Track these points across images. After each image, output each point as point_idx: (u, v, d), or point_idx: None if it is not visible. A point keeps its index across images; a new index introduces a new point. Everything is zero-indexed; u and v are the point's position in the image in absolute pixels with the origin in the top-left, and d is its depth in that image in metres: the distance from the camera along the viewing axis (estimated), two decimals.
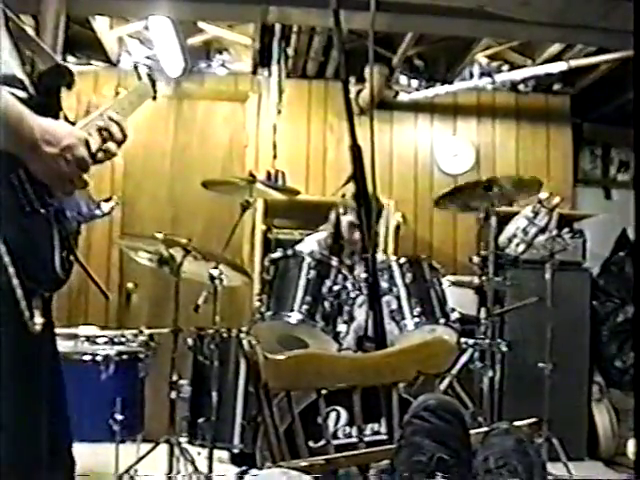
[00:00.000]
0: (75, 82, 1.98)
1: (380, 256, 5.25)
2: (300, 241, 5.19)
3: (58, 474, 2.00)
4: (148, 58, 6.65)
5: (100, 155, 2.01)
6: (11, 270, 1.71)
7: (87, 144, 1.89)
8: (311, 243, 4.94)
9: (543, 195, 5.31)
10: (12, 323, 1.77)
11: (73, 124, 1.97)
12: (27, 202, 1.80)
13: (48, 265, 1.85)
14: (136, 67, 2.41)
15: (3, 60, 1.83)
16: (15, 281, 1.72)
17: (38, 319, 1.82)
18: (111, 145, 2.04)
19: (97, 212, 2.05)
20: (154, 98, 2.42)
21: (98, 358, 4.37)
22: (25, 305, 1.76)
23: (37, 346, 1.88)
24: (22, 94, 1.84)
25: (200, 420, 4.29)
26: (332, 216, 4.98)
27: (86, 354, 4.41)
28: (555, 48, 6.18)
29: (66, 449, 2.07)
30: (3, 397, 1.77)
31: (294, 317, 4.02)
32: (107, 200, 2.06)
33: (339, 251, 4.77)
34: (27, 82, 1.89)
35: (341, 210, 4.91)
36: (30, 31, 2.04)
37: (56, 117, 1.92)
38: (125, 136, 2.09)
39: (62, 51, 5.24)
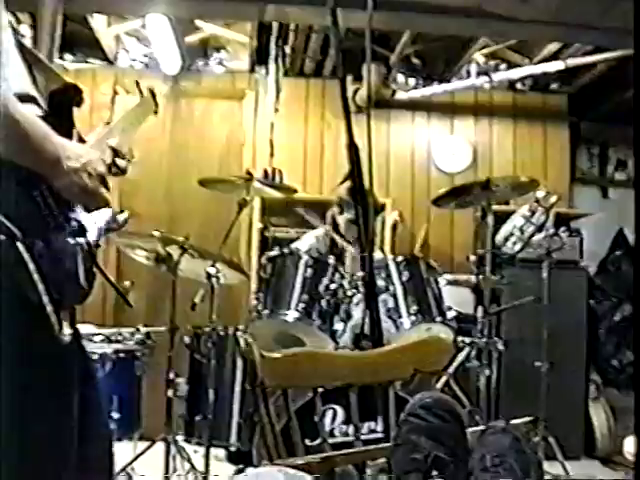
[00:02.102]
0: (84, 100, 2.01)
1: (377, 254, 5.26)
2: (297, 239, 5.18)
3: (96, 475, 2.02)
4: (145, 56, 6.65)
5: (113, 170, 2.07)
6: (41, 287, 1.74)
7: (104, 162, 1.94)
8: (309, 241, 4.93)
9: (540, 194, 5.31)
10: (45, 337, 1.80)
11: (84, 141, 2.01)
12: (52, 218, 1.82)
13: (73, 279, 1.88)
14: (138, 83, 2.45)
15: (16, 78, 1.85)
16: (45, 298, 1.76)
17: (66, 330, 1.84)
18: (121, 162, 2.09)
19: (114, 225, 2.09)
20: (155, 112, 2.45)
21: (95, 356, 4.37)
22: (53, 313, 1.78)
23: (67, 355, 1.90)
24: (38, 111, 1.86)
25: (197, 418, 4.30)
26: (329, 215, 4.97)
27: None
28: (552, 47, 6.18)
29: (105, 453, 2.10)
30: (39, 406, 1.81)
31: (291, 315, 4.03)
32: (119, 212, 2.11)
33: (338, 250, 4.77)
34: (40, 100, 1.91)
35: (336, 209, 4.91)
36: (37, 52, 2.07)
37: (69, 135, 1.95)
38: (133, 156, 2.16)
39: (59, 49, 5.24)
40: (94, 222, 1.99)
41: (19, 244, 1.70)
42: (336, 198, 4.94)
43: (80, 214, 1.93)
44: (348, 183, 4.51)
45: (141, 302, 6.50)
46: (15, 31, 1.95)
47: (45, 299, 1.76)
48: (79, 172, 1.82)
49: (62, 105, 1.97)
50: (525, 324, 5.64)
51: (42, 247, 1.77)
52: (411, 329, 4.14)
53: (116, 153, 2.08)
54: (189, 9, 5.57)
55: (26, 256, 1.71)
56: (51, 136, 1.78)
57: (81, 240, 1.93)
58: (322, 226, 5.01)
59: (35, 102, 1.88)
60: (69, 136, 1.94)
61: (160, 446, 4.34)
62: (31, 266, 1.72)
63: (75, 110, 2.00)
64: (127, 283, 6.27)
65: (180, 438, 4.39)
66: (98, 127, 2.17)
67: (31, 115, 1.76)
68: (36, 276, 1.73)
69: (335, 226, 4.92)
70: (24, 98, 1.82)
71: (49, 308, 1.77)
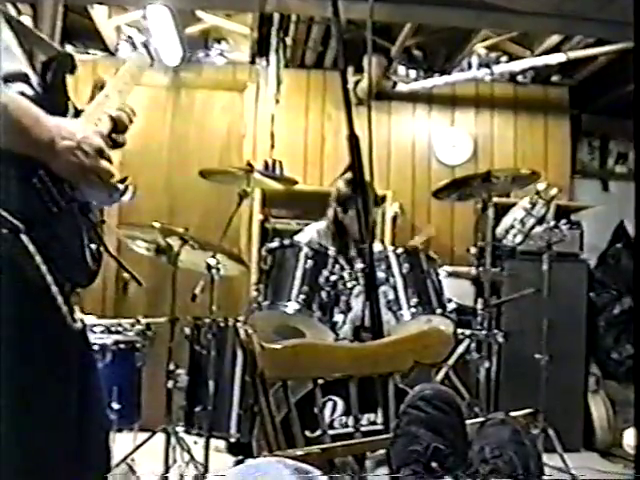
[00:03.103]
0: (77, 67, 1.98)
1: (377, 246, 5.25)
2: (299, 231, 5.18)
3: (94, 465, 2.02)
4: (146, 47, 6.63)
5: (112, 138, 2.01)
6: (49, 278, 1.73)
7: (101, 135, 1.89)
8: (310, 233, 4.93)
9: (541, 186, 5.32)
10: (56, 328, 1.80)
11: (81, 111, 1.97)
12: (52, 202, 1.79)
13: (80, 260, 1.86)
14: (130, 37, 2.40)
15: (6, 57, 1.83)
16: (55, 289, 1.75)
17: (78, 314, 1.84)
18: (120, 137, 2.04)
19: (116, 196, 2.03)
20: (151, 65, 2.39)
21: (95, 347, 4.37)
22: (63, 302, 1.77)
23: (76, 341, 1.90)
24: (28, 89, 1.84)
25: (197, 409, 4.30)
26: (331, 210, 4.94)
27: None
28: (554, 39, 6.17)
29: (103, 440, 2.10)
30: (43, 392, 1.80)
31: (291, 307, 4.02)
32: (122, 181, 2.04)
33: (342, 242, 4.77)
34: (32, 75, 1.89)
35: (334, 204, 4.88)
36: (27, 22, 2.05)
37: (65, 107, 1.92)
38: (132, 121, 2.09)
39: (60, 40, 5.23)
40: (95, 198, 1.96)
41: (23, 236, 1.68)
42: (335, 191, 4.91)
43: (81, 192, 1.89)
44: (347, 175, 4.54)
45: (141, 293, 6.50)
46: (3, 7, 1.93)
47: (54, 289, 1.75)
48: (75, 151, 1.78)
49: (55, 74, 1.94)
50: (525, 316, 5.65)
51: (46, 235, 1.75)
52: (411, 321, 4.14)
53: (115, 123, 2.03)
54: (190, 0, 5.56)
55: (31, 248, 1.70)
56: (42, 117, 1.76)
57: (85, 219, 1.91)
58: (324, 219, 5.00)
59: (26, 79, 1.86)
60: (65, 108, 1.92)
61: (160, 437, 4.35)
62: (37, 258, 1.71)
63: (69, 78, 1.97)
64: (127, 274, 6.27)
65: (180, 429, 4.40)
66: (96, 97, 2.12)
67: (20, 98, 1.74)
68: (43, 267, 1.72)
69: (336, 220, 4.89)
70: (14, 77, 1.80)
71: (59, 299, 1.76)
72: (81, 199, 1.89)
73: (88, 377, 1.98)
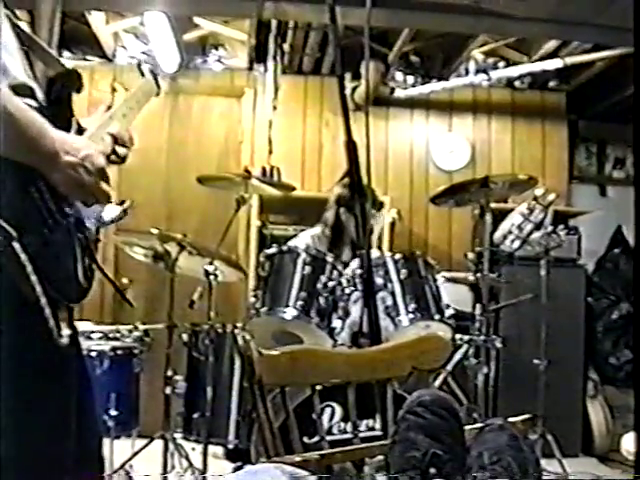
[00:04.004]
0: (84, 86, 1.98)
1: (375, 252, 5.26)
2: (294, 237, 5.18)
3: (87, 475, 2.01)
4: (144, 53, 6.65)
5: (113, 157, 2.02)
6: (39, 289, 1.71)
7: (105, 155, 1.90)
8: (305, 239, 4.93)
9: (538, 192, 5.33)
10: (42, 340, 1.78)
11: (84, 130, 1.97)
12: (48, 215, 1.78)
13: (72, 276, 1.85)
14: (139, 64, 2.41)
15: (12, 65, 1.83)
16: (43, 300, 1.73)
17: (65, 331, 1.82)
18: (121, 150, 2.05)
19: (107, 219, 2.03)
20: (157, 94, 2.40)
21: (93, 353, 4.37)
22: (50, 315, 1.76)
23: (65, 357, 1.88)
24: (33, 103, 1.83)
25: (195, 416, 4.30)
26: (331, 214, 4.92)
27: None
28: (551, 45, 6.18)
29: (96, 451, 2.09)
30: (30, 409, 1.78)
31: (289, 313, 4.02)
32: (121, 203, 2.06)
33: (338, 247, 4.77)
34: (37, 90, 1.88)
35: (334, 206, 4.87)
36: (36, 37, 2.04)
37: (68, 123, 1.92)
38: (131, 144, 2.10)
39: (58, 46, 5.23)
40: (90, 216, 1.96)
41: (15, 244, 1.67)
42: (334, 195, 4.91)
43: (78, 209, 1.89)
44: (345, 181, 4.55)
45: (139, 300, 6.50)
46: (13, 18, 1.92)
47: (43, 301, 1.73)
48: (77, 167, 1.77)
49: (61, 91, 1.94)
50: (523, 322, 5.65)
51: (39, 246, 1.73)
52: (409, 327, 4.13)
53: (116, 140, 2.03)
54: (187, 6, 5.57)
55: (23, 257, 1.68)
56: (47, 130, 1.74)
57: (80, 236, 1.91)
58: (319, 225, 5.00)
59: (32, 93, 1.86)
60: (68, 124, 1.92)
61: (158, 443, 4.34)
62: (29, 267, 1.69)
63: (75, 97, 1.97)
64: (125, 281, 6.28)
65: (178, 435, 4.40)
66: (98, 112, 2.12)
67: (26, 108, 1.72)
68: (34, 277, 1.70)
69: (334, 225, 4.87)
70: (20, 89, 1.80)
71: (47, 311, 1.75)
72: (78, 215, 1.89)
73: (80, 389, 1.97)
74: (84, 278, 1.89)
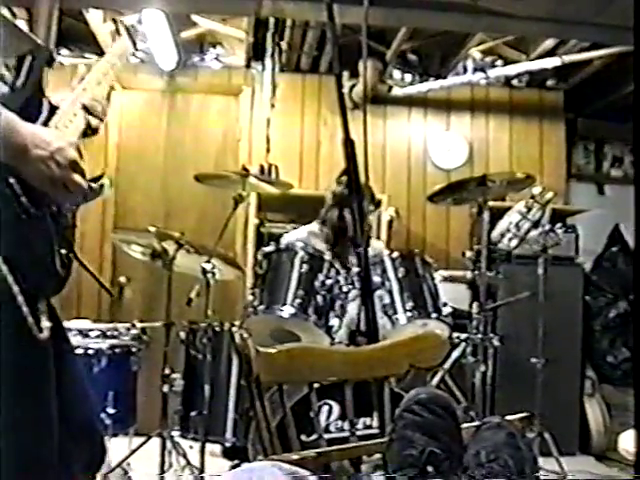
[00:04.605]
0: (55, 60, 1.97)
1: (379, 244, 5.27)
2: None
3: (84, 465, 2.01)
4: (141, 51, 6.64)
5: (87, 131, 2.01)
6: (10, 278, 1.71)
7: (76, 147, 1.88)
8: (300, 234, 4.92)
9: (536, 190, 5.33)
10: (16, 331, 1.77)
11: (56, 108, 1.95)
12: (22, 210, 1.78)
13: (49, 267, 1.84)
14: (115, 21, 2.36)
15: None
16: (15, 289, 1.72)
17: (45, 323, 1.81)
18: (93, 120, 2.03)
19: (90, 196, 2.00)
20: (133, 53, 2.37)
21: (90, 352, 4.38)
22: (29, 311, 1.75)
23: (46, 350, 1.87)
24: (3, 87, 1.82)
25: (192, 414, 4.30)
26: (333, 214, 4.89)
27: (78, 347, 4.41)
28: (549, 43, 6.17)
29: (98, 438, 2.09)
30: (13, 405, 1.77)
31: (287, 311, 4.02)
32: (97, 179, 2.02)
33: (336, 244, 4.76)
34: (6, 73, 1.87)
35: (335, 208, 4.86)
36: (23, 25, 2.04)
37: (39, 103, 1.90)
38: (106, 114, 2.08)
39: (55, 44, 5.22)
40: (65, 202, 1.94)
41: None
42: (330, 194, 4.91)
43: (52, 198, 1.87)
44: (343, 179, 4.54)
45: (137, 298, 6.50)
46: None
47: (20, 299, 1.72)
48: (47, 161, 1.77)
49: (32, 70, 1.93)
50: (521, 320, 5.65)
51: (14, 242, 1.72)
52: (407, 325, 4.14)
53: (88, 111, 2.02)
54: (185, 4, 5.56)
55: None
56: (18, 124, 1.74)
57: (56, 225, 1.89)
58: (316, 222, 4.99)
59: (1, 79, 1.85)
60: (38, 104, 1.90)
61: (155, 441, 4.34)
62: (4, 267, 1.68)
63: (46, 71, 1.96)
64: (123, 279, 6.28)
65: (176, 433, 4.39)
66: (72, 83, 2.09)
67: None
68: (10, 278, 1.69)
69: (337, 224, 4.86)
70: None
71: (25, 309, 1.73)
72: (54, 203, 1.88)
73: (66, 380, 1.96)
74: (62, 268, 1.88)
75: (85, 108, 1.99)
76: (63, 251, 1.89)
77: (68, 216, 1.96)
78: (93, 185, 1.98)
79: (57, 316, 1.96)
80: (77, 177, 1.84)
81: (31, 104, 1.82)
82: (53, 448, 1.86)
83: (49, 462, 1.86)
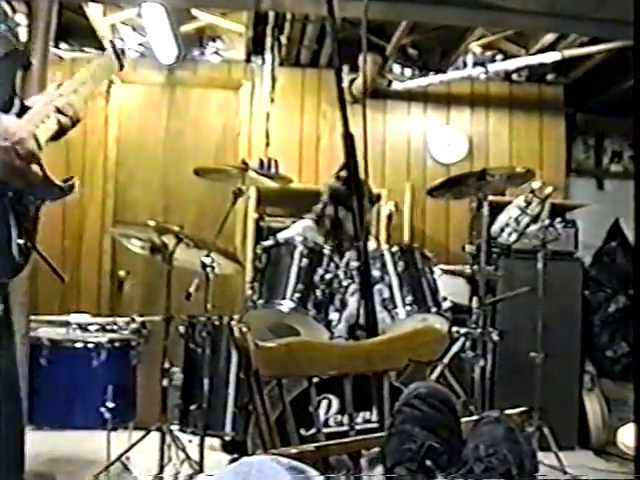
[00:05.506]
0: (32, 64, 2.01)
1: (372, 245, 5.25)
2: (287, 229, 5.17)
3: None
4: (141, 45, 6.64)
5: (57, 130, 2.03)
6: None
7: (36, 138, 1.90)
8: (297, 229, 4.92)
9: (536, 185, 5.33)
10: None
11: (28, 108, 1.97)
12: None
13: (6, 252, 1.86)
14: (111, 41, 2.38)
15: None
16: None
17: None
18: (62, 118, 2.04)
19: (56, 193, 2.03)
20: (121, 69, 2.38)
21: (90, 345, 4.39)
22: None
23: None
24: None
25: (192, 408, 4.29)
26: (329, 210, 4.89)
27: (78, 341, 4.42)
28: (549, 38, 6.17)
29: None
30: None
31: (286, 305, 4.02)
32: (67, 180, 2.04)
33: (334, 238, 4.76)
34: None
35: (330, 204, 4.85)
36: (22, 20, 2.06)
37: (10, 101, 1.92)
38: (79, 119, 2.09)
39: (55, 38, 5.22)
40: (31, 194, 1.96)
41: None
42: (326, 188, 4.90)
43: (15, 188, 1.90)
44: (341, 173, 4.54)
45: (136, 291, 6.51)
46: None
47: None
48: (8, 151, 1.80)
49: (6, 71, 1.94)
50: (520, 315, 5.65)
51: None
52: (406, 319, 4.14)
53: (60, 112, 2.03)
54: None
55: None
56: None
57: (15, 214, 1.90)
58: (310, 216, 4.99)
59: None
60: (9, 103, 1.92)
61: (155, 435, 4.34)
62: None
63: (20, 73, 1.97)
64: (122, 273, 6.28)
65: (175, 427, 4.39)
66: (47, 90, 2.12)
67: None
68: None
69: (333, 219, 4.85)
70: None
71: None
72: (12, 193, 1.89)
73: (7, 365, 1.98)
74: (19, 255, 1.89)
75: (58, 110, 2.01)
76: (21, 240, 1.91)
77: (30, 208, 1.98)
78: (62, 185, 2.00)
79: (8, 301, 1.98)
80: (35, 168, 1.88)
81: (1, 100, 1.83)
82: None
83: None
